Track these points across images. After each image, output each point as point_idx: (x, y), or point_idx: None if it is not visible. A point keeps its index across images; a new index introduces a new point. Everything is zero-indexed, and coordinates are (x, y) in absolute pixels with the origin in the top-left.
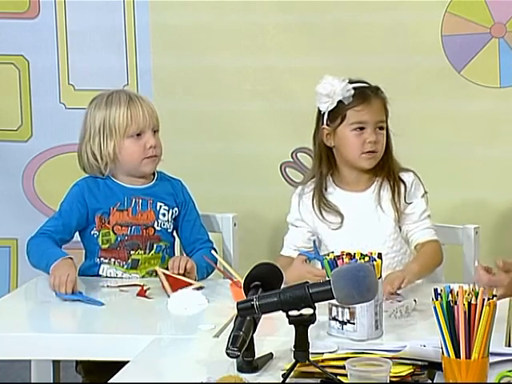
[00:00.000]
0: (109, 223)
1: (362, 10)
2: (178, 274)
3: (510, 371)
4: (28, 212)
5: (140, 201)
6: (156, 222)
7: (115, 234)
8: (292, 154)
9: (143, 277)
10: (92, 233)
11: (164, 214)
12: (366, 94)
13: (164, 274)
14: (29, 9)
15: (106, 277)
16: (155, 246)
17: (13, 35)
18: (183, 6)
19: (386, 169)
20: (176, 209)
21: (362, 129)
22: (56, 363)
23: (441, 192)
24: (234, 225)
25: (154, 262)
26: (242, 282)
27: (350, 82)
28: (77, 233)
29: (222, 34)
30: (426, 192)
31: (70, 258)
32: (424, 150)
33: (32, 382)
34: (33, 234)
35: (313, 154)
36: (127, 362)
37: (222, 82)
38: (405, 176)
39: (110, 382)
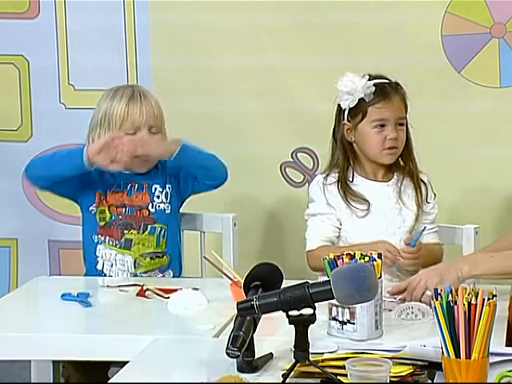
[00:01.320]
0: (106, 202)
1: (362, 10)
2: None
3: (509, 371)
4: (28, 212)
5: (136, 185)
6: (151, 204)
7: (110, 212)
8: (292, 154)
9: (135, 261)
10: (90, 209)
11: (158, 196)
12: (386, 90)
13: (157, 288)
14: (29, 9)
15: (102, 258)
16: (149, 227)
17: (13, 35)
18: (183, 6)
19: (407, 165)
20: (169, 185)
21: (382, 126)
22: (56, 363)
23: (441, 192)
24: (234, 225)
25: (147, 243)
26: (242, 282)
27: (370, 77)
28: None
29: (222, 34)
30: (435, 194)
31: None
32: (424, 149)
33: (32, 382)
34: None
35: (330, 148)
36: (127, 362)
37: (222, 81)
38: (424, 178)
39: (110, 381)
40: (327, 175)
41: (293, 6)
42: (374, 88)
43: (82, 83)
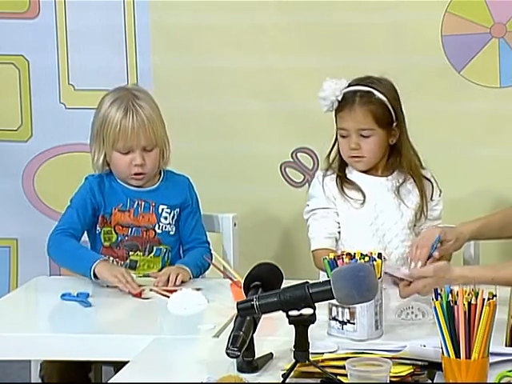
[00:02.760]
0: (110, 223)
1: (362, 10)
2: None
3: (509, 371)
4: (28, 212)
5: (143, 203)
6: (157, 225)
7: (117, 233)
8: (292, 154)
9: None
10: (96, 229)
11: (166, 217)
12: (351, 100)
13: (161, 288)
14: (29, 9)
15: None
16: (155, 248)
17: (13, 35)
18: (183, 6)
19: (405, 167)
20: (177, 209)
21: (346, 134)
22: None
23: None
24: (234, 225)
25: (152, 265)
26: (242, 282)
27: (350, 84)
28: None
29: (222, 34)
30: (440, 191)
31: (105, 260)
32: (424, 149)
33: (32, 382)
34: (51, 232)
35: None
36: (127, 362)
37: (222, 82)
38: (427, 174)
39: (110, 381)
40: (326, 170)
41: (293, 6)
42: (340, 97)
43: (82, 83)
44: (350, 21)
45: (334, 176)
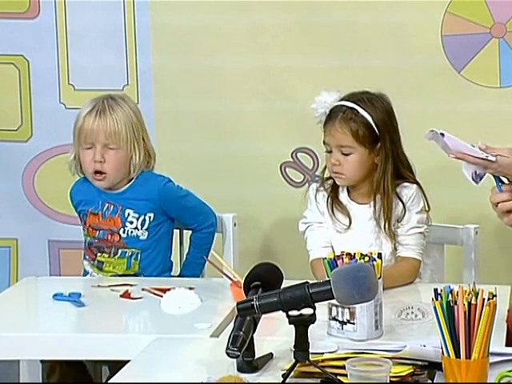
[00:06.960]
0: (86, 224)
1: (362, 10)
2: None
3: (509, 371)
4: (28, 212)
5: (112, 207)
6: (122, 229)
7: (89, 235)
8: (292, 154)
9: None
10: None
11: (132, 222)
12: (335, 115)
13: (153, 288)
14: (29, 9)
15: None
16: (120, 251)
17: (13, 35)
18: (183, 6)
19: (383, 190)
20: (151, 214)
21: (330, 149)
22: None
23: (441, 192)
24: (234, 225)
25: (118, 266)
26: (242, 282)
27: (343, 98)
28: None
29: (222, 34)
30: (426, 210)
31: None
32: (424, 149)
33: (30, 381)
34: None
35: None
36: (127, 361)
37: (222, 82)
38: (404, 190)
39: (110, 381)
40: (320, 185)
41: (293, 6)
42: (322, 111)
43: (82, 83)
44: (350, 21)
45: (326, 195)
